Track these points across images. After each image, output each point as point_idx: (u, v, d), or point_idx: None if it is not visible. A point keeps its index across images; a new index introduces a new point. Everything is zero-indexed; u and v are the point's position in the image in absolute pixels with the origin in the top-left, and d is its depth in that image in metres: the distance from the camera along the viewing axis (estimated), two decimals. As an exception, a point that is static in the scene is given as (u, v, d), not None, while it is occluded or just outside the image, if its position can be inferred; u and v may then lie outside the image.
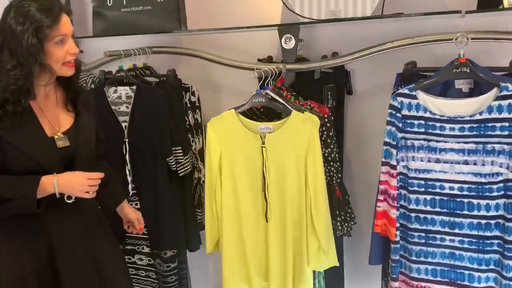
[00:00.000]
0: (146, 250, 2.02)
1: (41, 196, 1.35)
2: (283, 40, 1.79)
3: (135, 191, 1.95)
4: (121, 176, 1.89)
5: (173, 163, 1.92)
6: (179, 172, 1.94)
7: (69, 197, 1.42)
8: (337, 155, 1.70)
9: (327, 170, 1.66)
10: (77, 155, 1.44)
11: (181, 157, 1.94)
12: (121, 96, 1.91)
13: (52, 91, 1.45)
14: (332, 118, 1.68)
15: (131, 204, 1.96)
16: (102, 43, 2.12)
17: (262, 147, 1.60)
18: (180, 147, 1.93)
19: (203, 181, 2.05)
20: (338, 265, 1.69)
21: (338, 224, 1.69)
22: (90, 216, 1.52)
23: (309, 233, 1.59)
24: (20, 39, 1.28)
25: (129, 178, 1.93)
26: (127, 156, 1.91)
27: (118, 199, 1.68)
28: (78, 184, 1.38)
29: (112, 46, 1.98)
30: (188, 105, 2.00)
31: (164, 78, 1.98)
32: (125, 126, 1.91)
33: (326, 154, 1.65)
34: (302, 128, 1.55)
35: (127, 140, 1.91)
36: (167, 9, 1.92)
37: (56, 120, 1.44)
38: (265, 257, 1.67)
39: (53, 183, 1.35)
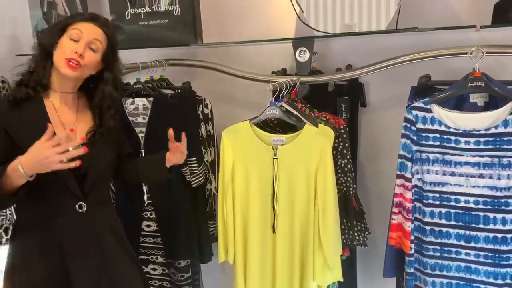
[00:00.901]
0: (161, 259, 2.03)
1: (16, 184, 1.31)
2: (297, 53, 1.81)
3: (150, 201, 1.98)
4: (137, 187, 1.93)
5: (187, 174, 1.94)
6: (192, 183, 1.96)
7: (80, 206, 1.45)
8: (352, 166, 1.70)
9: (344, 180, 1.66)
10: (91, 167, 1.46)
11: (196, 168, 1.95)
12: (138, 108, 1.94)
13: (70, 101, 1.50)
14: (347, 129, 1.69)
15: (146, 214, 1.99)
16: (120, 55, 2.15)
17: (274, 158, 1.61)
18: (195, 158, 1.95)
19: (214, 193, 2.07)
20: (342, 280, 1.67)
21: (356, 234, 1.69)
22: (103, 224, 1.53)
23: (316, 248, 1.59)
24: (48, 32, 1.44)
25: (145, 188, 1.95)
26: (143, 166, 1.93)
27: (160, 166, 1.57)
28: (42, 156, 1.25)
29: (130, 58, 2.01)
30: (201, 117, 2.02)
31: (179, 90, 2.01)
32: (142, 137, 1.94)
33: (343, 165, 1.65)
34: (315, 141, 1.56)
35: (143, 150, 1.93)
36: (183, 23, 1.96)
37: (74, 130, 1.48)
38: (272, 268, 1.67)
39: (17, 166, 1.27)
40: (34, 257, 1.45)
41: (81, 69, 1.41)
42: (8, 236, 2.27)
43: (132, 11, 2.03)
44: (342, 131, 1.65)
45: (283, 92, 1.65)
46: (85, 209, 1.46)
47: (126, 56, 2.14)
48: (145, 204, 1.97)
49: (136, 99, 1.94)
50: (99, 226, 1.51)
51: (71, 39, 1.40)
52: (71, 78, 1.43)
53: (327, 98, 1.90)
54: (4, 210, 2.24)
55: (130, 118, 1.95)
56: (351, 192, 1.68)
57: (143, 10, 2.02)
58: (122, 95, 1.69)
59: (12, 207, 2.18)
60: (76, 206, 1.45)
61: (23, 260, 1.46)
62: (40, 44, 1.45)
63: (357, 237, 1.70)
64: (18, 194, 1.34)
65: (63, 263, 1.45)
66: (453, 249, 1.50)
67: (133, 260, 1.63)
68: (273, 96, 1.65)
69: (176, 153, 1.53)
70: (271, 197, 1.63)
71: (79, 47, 1.39)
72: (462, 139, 1.45)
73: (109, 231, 1.56)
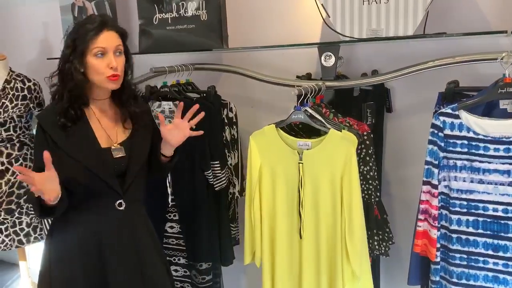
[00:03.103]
0: (182, 261, 2.06)
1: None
2: (322, 57, 1.81)
3: (174, 203, 2.00)
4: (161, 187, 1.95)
5: (210, 177, 1.96)
6: (215, 186, 1.98)
7: (120, 204, 1.49)
8: (375, 173, 1.69)
9: (365, 188, 1.65)
10: (130, 165, 1.51)
11: (219, 172, 1.97)
12: (164, 111, 1.98)
13: (107, 106, 1.56)
14: (372, 135, 1.68)
15: (169, 216, 2.01)
16: (148, 59, 2.20)
17: (299, 163, 1.61)
18: (218, 162, 1.97)
19: (237, 197, 2.08)
20: None
21: (376, 243, 1.67)
22: (140, 224, 1.58)
23: (343, 256, 1.58)
24: (67, 56, 1.43)
25: (169, 190, 1.98)
26: (168, 169, 1.96)
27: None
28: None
29: (157, 62, 2.05)
30: (226, 120, 2.04)
31: (205, 94, 2.04)
32: (167, 140, 1.97)
33: (365, 172, 1.64)
34: (339, 147, 1.55)
35: (169, 152, 1.96)
36: (210, 28, 1.99)
37: (114, 133, 1.54)
38: (298, 274, 1.66)
39: None
40: (72, 254, 1.48)
41: (121, 77, 1.48)
42: (37, 235, 2.34)
43: (160, 16, 2.08)
44: (366, 137, 1.64)
45: (308, 97, 1.65)
46: (124, 207, 1.50)
47: (154, 60, 2.19)
48: (169, 206, 2.00)
49: (163, 103, 1.98)
50: (137, 225, 1.56)
51: (97, 57, 1.43)
52: (114, 89, 1.50)
53: (353, 103, 1.89)
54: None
55: (157, 121, 1.97)
56: (372, 200, 1.66)
57: (171, 15, 2.06)
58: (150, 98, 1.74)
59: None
60: (116, 204, 1.49)
61: (60, 257, 1.50)
62: (64, 70, 1.45)
63: (377, 247, 1.68)
64: (56, 212, 1.42)
65: (101, 261, 1.48)
66: (481, 258, 1.47)
67: (163, 263, 1.66)
68: (298, 101, 1.65)
69: (174, 131, 1.53)
70: (297, 202, 1.63)
71: (111, 61, 1.44)
72: (491, 146, 1.42)
73: (146, 230, 1.60)
